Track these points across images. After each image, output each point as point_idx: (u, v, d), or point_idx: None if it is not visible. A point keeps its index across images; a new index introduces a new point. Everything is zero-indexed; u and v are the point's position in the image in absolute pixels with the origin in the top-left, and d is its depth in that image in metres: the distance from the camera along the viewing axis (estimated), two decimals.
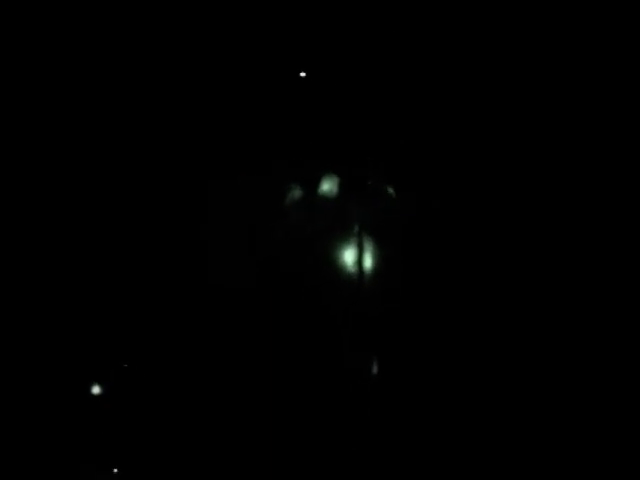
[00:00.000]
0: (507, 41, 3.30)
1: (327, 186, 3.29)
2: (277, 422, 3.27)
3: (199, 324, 3.28)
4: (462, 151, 3.33)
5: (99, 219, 3.25)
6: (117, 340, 3.26)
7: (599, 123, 3.29)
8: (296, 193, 3.29)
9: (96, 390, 3.23)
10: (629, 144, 3.27)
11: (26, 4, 3.23)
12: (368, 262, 3.30)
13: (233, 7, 3.31)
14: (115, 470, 2.98)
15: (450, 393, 3.27)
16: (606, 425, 3.21)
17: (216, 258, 3.27)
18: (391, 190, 3.30)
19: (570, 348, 3.26)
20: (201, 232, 3.28)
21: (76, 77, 3.26)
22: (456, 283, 3.29)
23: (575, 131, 3.30)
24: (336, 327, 3.31)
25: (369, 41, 3.31)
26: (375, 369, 3.29)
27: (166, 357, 3.27)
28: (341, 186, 3.32)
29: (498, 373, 3.27)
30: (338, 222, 3.32)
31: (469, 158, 3.32)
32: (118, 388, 3.23)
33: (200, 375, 3.27)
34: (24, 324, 3.22)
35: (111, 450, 3.21)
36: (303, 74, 2.86)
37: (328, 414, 3.27)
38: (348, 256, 3.30)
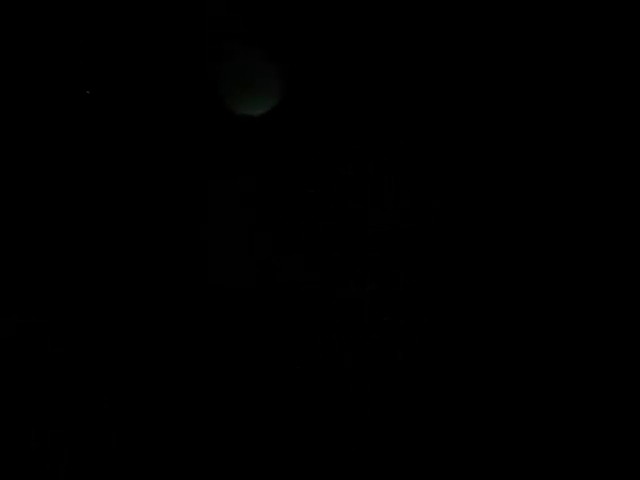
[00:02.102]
0: (507, 40, 3.29)
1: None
2: (276, 421, 3.27)
3: (198, 323, 3.28)
4: (461, 151, 3.33)
5: (100, 219, 3.25)
6: (117, 339, 3.26)
7: (599, 123, 3.29)
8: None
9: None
10: (629, 144, 3.27)
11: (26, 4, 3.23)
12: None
13: (231, 9, 3.32)
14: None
15: (449, 393, 3.27)
16: (606, 425, 3.21)
17: (216, 258, 3.27)
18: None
19: (570, 348, 3.26)
20: (201, 232, 3.28)
21: (76, 76, 3.26)
22: (454, 283, 3.30)
23: (575, 131, 3.29)
24: (336, 327, 3.31)
25: (368, 42, 3.30)
26: (375, 368, 3.29)
27: (165, 356, 3.27)
28: (341, 186, 3.32)
29: (498, 374, 3.27)
30: (336, 222, 3.32)
31: (468, 159, 3.32)
32: (118, 388, 3.23)
33: (199, 373, 3.27)
34: (24, 321, 3.22)
35: (110, 449, 3.21)
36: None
37: (327, 413, 3.27)
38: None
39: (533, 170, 3.32)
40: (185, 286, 3.29)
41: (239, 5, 3.31)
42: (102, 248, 3.26)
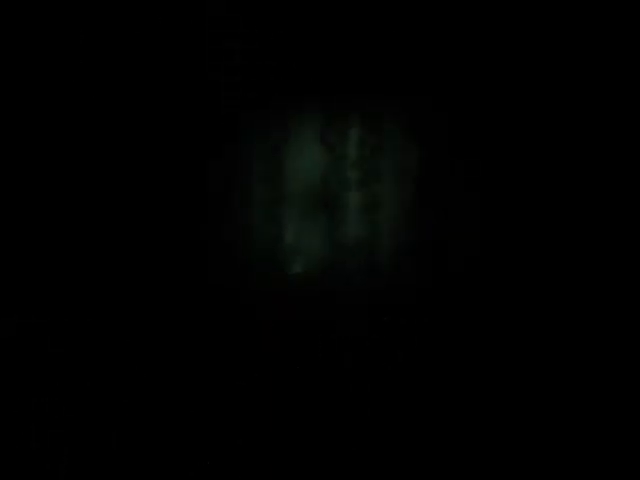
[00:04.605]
0: (507, 39, 3.29)
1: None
2: (276, 421, 3.27)
3: (198, 323, 3.28)
4: (459, 151, 3.32)
5: (99, 219, 3.25)
6: (117, 339, 3.26)
7: (598, 123, 3.29)
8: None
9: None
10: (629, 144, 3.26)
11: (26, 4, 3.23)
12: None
13: (231, 9, 3.32)
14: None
15: (451, 393, 3.27)
16: (606, 425, 3.21)
17: (216, 258, 3.27)
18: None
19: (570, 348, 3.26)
20: (201, 232, 3.28)
21: (76, 76, 3.26)
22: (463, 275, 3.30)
23: (575, 131, 3.29)
24: (336, 327, 3.31)
25: (369, 43, 3.31)
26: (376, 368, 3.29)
27: (165, 356, 3.27)
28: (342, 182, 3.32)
29: (498, 374, 3.27)
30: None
31: (466, 158, 3.32)
32: (115, 390, 3.23)
33: (199, 373, 3.27)
34: (24, 321, 3.22)
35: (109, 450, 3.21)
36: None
37: (328, 413, 3.27)
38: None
39: (532, 170, 3.31)
40: (185, 286, 3.28)
41: (239, 5, 3.31)
42: (101, 248, 3.25)
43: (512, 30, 3.26)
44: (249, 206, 3.24)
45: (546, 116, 3.26)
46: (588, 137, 3.26)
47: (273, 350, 3.27)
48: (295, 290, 3.27)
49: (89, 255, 3.21)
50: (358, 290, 3.28)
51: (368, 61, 3.06)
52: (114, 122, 3.24)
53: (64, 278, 3.21)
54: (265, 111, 3.19)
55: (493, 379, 3.26)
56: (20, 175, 3.19)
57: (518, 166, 3.27)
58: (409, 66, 3.06)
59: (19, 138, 3.19)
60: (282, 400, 3.27)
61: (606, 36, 3.14)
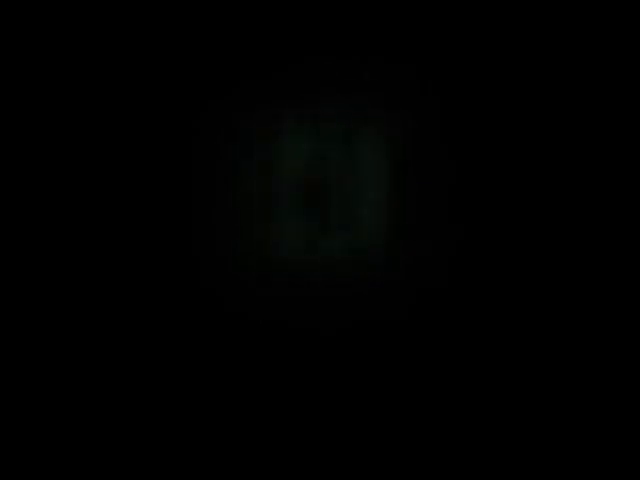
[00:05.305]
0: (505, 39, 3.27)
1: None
2: (275, 423, 3.27)
3: (199, 323, 3.29)
4: (459, 150, 3.31)
5: (98, 219, 3.27)
6: (116, 340, 3.28)
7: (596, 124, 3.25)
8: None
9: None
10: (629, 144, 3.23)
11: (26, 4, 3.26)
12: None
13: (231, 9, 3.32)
14: None
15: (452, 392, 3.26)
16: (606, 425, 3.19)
17: (205, 261, 3.28)
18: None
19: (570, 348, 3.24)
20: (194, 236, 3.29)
21: (75, 76, 3.28)
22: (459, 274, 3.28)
23: (574, 132, 3.26)
24: (335, 327, 3.31)
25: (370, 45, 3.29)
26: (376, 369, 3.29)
27: (164, 357, 3.28)
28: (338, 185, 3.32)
29: (498, 374, 3.26)
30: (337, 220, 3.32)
31: (467, 158, 3.30)
32: (110, 393, 3.25)
33: (197, 375, 3.28)
34: (24, 321, 3.24)
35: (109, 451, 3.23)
36: None
37: (327, 413, 3.27)
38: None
39: (532, 170, 3.29)
40: (185, 286, 3.29)
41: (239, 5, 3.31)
42: (100, 248, 3.27)
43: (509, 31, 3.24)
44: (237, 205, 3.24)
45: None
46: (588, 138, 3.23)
47: (262, 353, 3.26)
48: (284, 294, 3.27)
49: (88, 256, 3.22)
50: (345, 295, 3.27)
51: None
52: (112, 125, 3.25)
53: (63, 278, 3.22)
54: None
55: (492, 379, 3.25)
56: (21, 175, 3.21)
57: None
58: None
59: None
60: (281, 401, 3.27)
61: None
